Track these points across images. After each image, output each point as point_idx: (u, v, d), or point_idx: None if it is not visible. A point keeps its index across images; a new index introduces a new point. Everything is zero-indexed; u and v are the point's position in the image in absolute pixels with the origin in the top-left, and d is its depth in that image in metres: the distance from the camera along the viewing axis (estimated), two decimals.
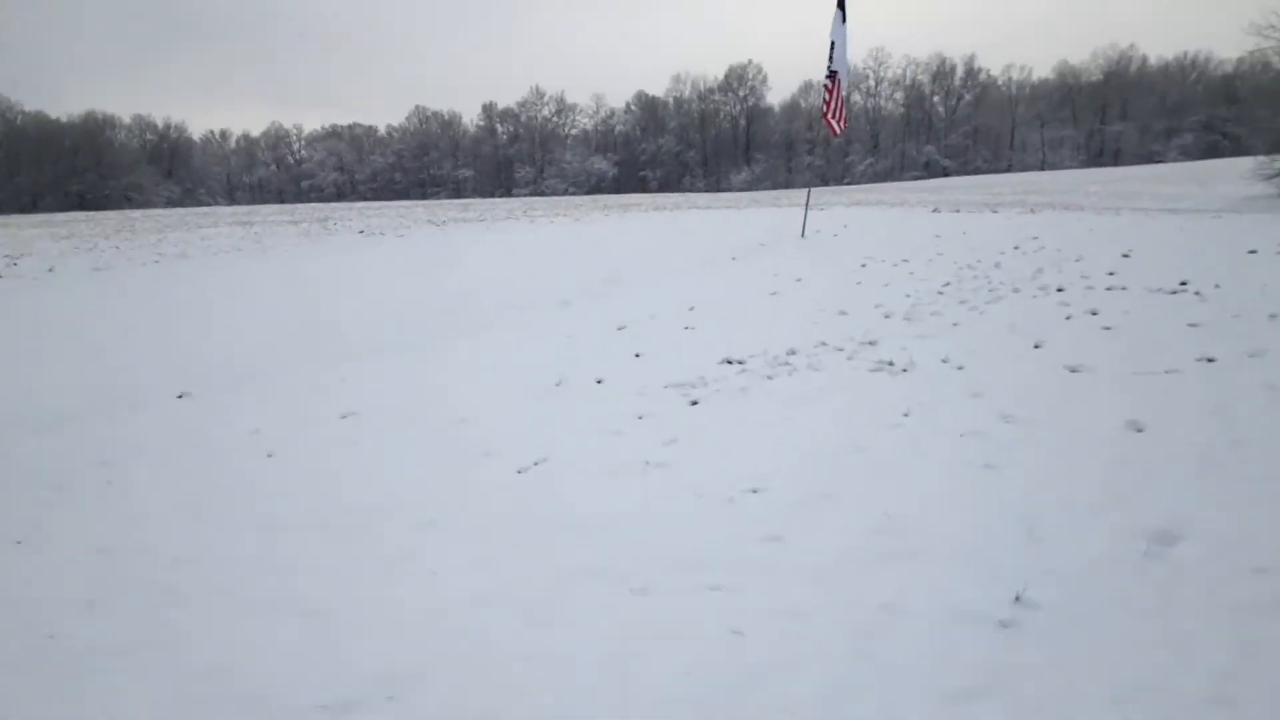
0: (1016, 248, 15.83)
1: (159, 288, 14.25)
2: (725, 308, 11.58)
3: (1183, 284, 10.96)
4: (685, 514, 4.68)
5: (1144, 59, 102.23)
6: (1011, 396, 6.64)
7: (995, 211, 26.10)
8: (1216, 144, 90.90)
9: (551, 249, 17.56)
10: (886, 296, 11.62)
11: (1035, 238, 17.11)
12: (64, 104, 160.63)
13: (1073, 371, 7.33)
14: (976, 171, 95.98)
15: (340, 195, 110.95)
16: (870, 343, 8.97)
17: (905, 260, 14.76)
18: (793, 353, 8.76)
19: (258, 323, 11.31)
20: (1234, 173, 57.03)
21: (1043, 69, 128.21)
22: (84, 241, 22.46)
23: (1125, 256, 13.82)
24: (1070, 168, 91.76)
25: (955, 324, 9.61)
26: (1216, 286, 10.63)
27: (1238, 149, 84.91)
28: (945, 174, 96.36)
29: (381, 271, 15.39)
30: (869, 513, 4.50)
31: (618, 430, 6.33)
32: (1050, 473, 4.95)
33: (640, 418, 6.69)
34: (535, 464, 5.68)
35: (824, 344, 9.08)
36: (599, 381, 8.01)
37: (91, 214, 48.14)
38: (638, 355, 9.08)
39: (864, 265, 14.55)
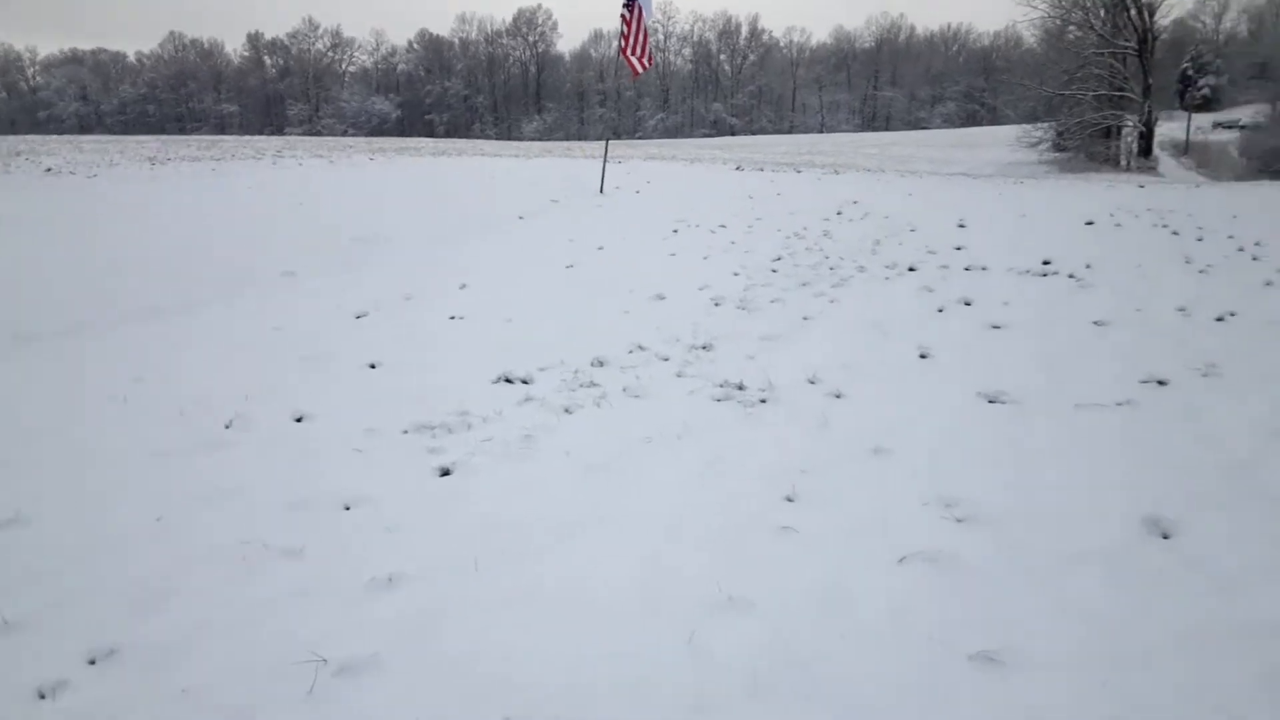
0: (840, 213, 14.03)
1: None
2: (507, 287, 8.80)
3: (1046, 263, 9.34)
4: None
5: (912, 28, 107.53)
6: (936, 455, 4.36)
7: (799, 171, 24.68)
8: (975, 113, 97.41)
9: (288, 199, 13.94)
10: (711, 274, 9.25)
11: (855, 202, 15.43)
12: None
13: (992, 402, 5.20)
14: (761, 131, 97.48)
15: (84, 128, 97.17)
16: (704, 347, 6.52)
17: (722, 226, 12.51)
18: (600, 363, 6.16)
19: None
20: (993, 139, 60.60)
21: (821, 33, 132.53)
22: None
23: (962, 226, 12.27)
24: (847, 130, 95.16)
25: (806, 318, 7.36)
26: (1088, 267, 9.04)
27: (994, 118, 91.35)
28: (733, 132, 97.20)
29: (26, 228, 11.30)
30: None
31: (295, 548, 3.46)
32: (1107, 680, 2.63)
33: (347, 508, 3.85)
34: (93, 662, 2.74)
35: (641, 348, 6.54)
36: (299, 420, 5.06)
37: None
38: (373, 366, 6.16)
39: (676, 231, 12.17)
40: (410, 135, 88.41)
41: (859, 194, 16.87)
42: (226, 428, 4.89)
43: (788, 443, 4.57)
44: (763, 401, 5.25)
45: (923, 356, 6.18)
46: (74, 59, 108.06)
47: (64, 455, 4.42)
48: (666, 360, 6.23)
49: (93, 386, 5.64)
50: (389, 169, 20.24)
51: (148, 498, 3.91)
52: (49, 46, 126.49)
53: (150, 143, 38.47)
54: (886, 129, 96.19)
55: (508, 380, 5.80)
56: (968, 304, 7.76)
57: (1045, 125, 51.84)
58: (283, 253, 10.06)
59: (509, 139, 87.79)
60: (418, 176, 19.23)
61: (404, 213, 13.50)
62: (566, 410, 5.19)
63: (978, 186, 20.33)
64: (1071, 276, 8.67)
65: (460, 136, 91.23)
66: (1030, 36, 58.31)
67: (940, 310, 7.56)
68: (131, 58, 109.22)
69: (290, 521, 3.70)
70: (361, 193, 15.72)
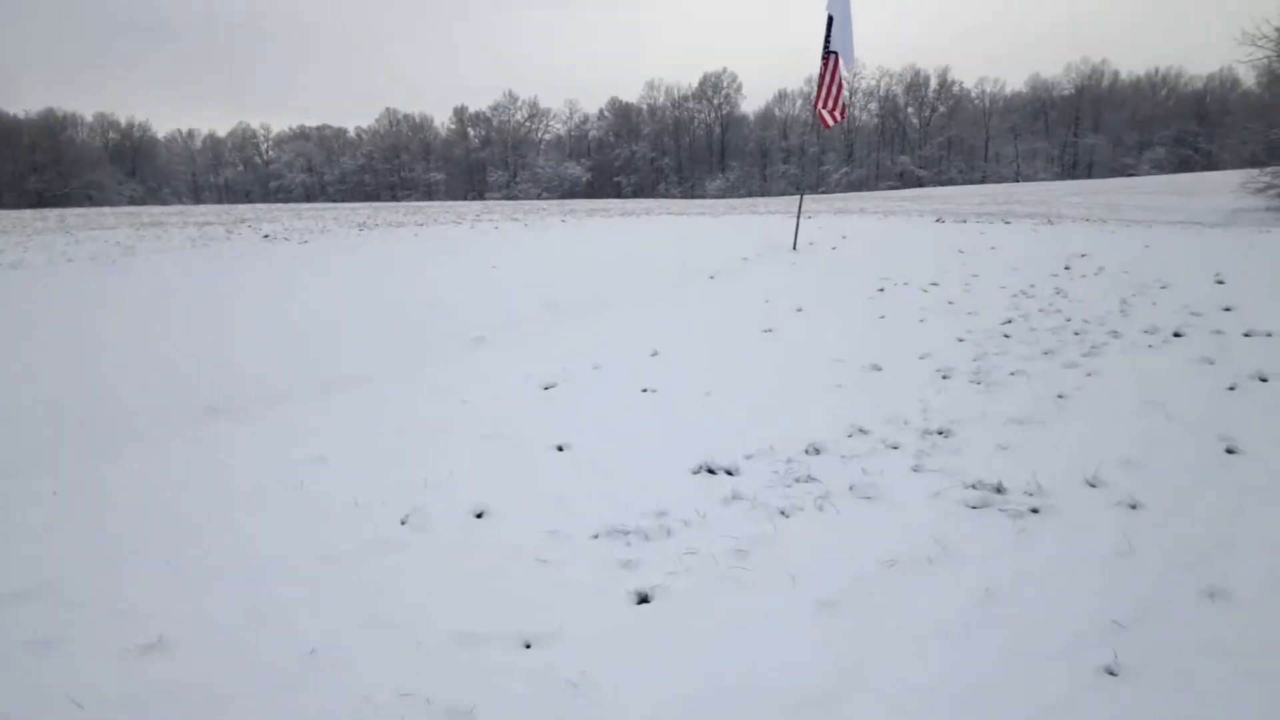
0: (1068, 267, 12.51)
1: None
2: (702, 355, 8.08)
3: None
4: None
5: (1115, 74, 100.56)
6: None
7: (1008, 222, 22.88)
8: (1188, 158, 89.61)
9: (482, 263, 13.96)
10: (931, 340, 8.18)
11: (1083, 255, 13.80)
12: (22, 101, 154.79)
13: None
14: (951, 182, 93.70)
15: (309, 196, 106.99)
16: (940, 432, 5.50)
17: (934, 284, 11.34)
18: (816, 450, 5.27)
19: None
20: (1211, 186, 54.98)
21: (1015, 82, 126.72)
22: None
23: (1220, 282, 10.53)
24: (1044, 179, 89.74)
25: (1061, 396, 6.17)
26: None
27: (1209, 163, 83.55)
28: (920, 184, 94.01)
29: (213, 294, 11.69)
30: None
31: (463, 710, 2.74)
32: None
33: (527, 646, 3.15)
34: None
35: (862, 431, 5.60)
36: (479, 515, 4.46)
37: None
38: (560, 449, 5.54)
39: (882, 290, 11.12)
40: (599, 196, 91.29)
41: (1085, 245, 15.14)
42: (402, 523, 4.36)
43: (1084, 575, 3.51)
44: (1034, 511, 4.19)
45: (1229, 451, 4.89)
46: (301, 135, 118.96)
47: (228, 554, 4.00)
48: (896, 449, 5.26)
49: (273, 466, 5.32)
50: (580, 231, 20.29)
51: (305, 618, 3.37)
52: (280, 124, 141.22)
53: (363, 209, 41.21)
54: (1089, 177, 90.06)
55: (710, 470, 5.01)
56: (1263, 379, 6.31)
57: (1274, 169, 46.45)
58: (475, 318, 9.82)
59: (692, 197, 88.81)
60: (607, 238, 19.11)
61: (593, 275, 13.17)
62: (782, 513, 4.33)
63: (1219, 237, 17.95)
64: None
65: (646, 196, 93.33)
66: (1250, 78, 52.96)
67: (1231, 388, 6.16)
68: (351, 133, 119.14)
69: (460, 664, 3.03)
70: (552, 255, 15.63)
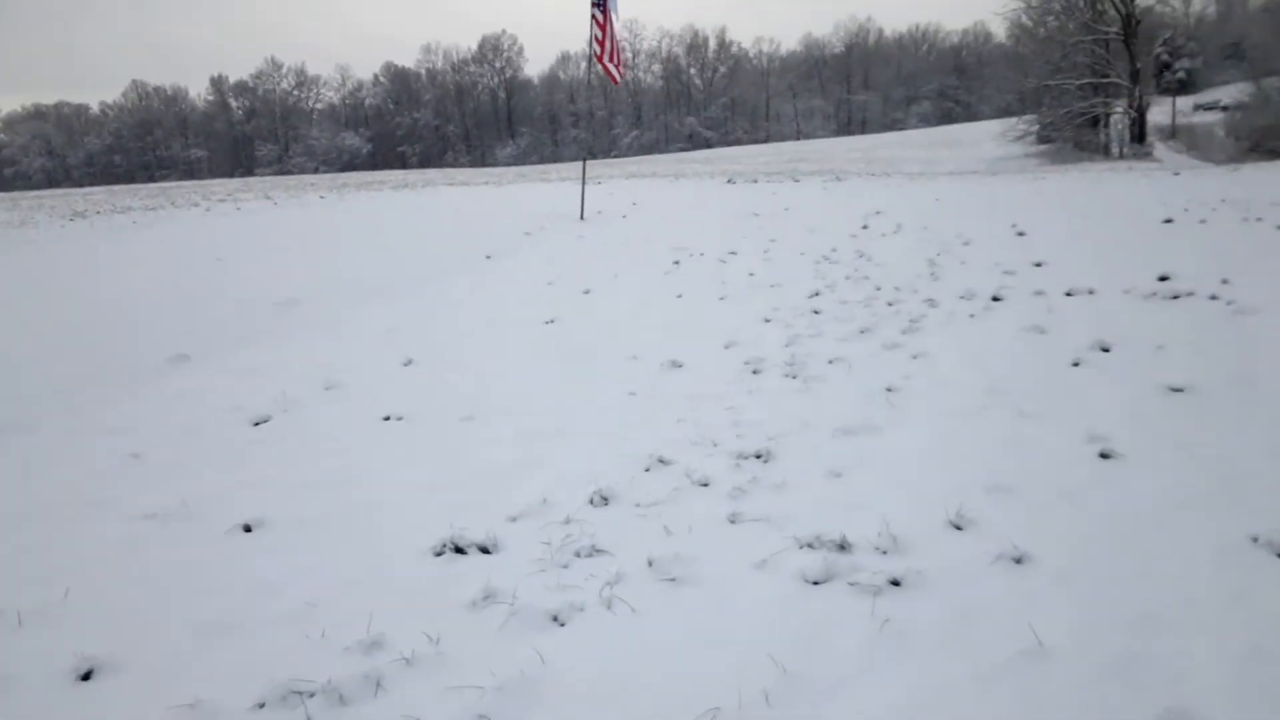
0: (866, 227, 11.92)
1: None
2: (467, 361, 6.60)
3: (1164, 279, 7.25)
4: None
5: (880, 31, 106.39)
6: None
7: (797, 180, 22.64)
8: (950, 110, 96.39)
9: (207, 255, 11.69)
10: (735, 321, 7.08)
11: (878, 212, 13.33)
12: None
13: None
14: (737, 142, 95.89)
15: (52, 182, 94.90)
16: (758, 456, 4.32)
17: (733, 253, 10.34)
18: (604, 500, 3.94)
19: None
20: (975, 136, 58.99)
21: (790, 41, 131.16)
22: None
23: (1021, 235, 10.19)
24: (823, 136, 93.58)
25: (890, 389, 5.17)
26: (1224, 282, 6.91)
27: (969, 115, 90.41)
28: (709, 145, 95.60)
29: None
30: None
31: None
32: None
33: None
34: None
35: (663, 462, 4.34)
36: (86, 676, 2.82)
37: None
38: (249, 529, 3.92)
39: (677, 263, 9.99)
40: (383, 168, 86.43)
41: (879, 203, 14.77)
42: None
43: (985, 697, 2.37)
44: (894, 584, 3.04)
45: (1104, 456, 3.99)
46: (37, 114, 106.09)
47: None
48: (705, 486, 4.02)
49: None
50: (338, 209, 18.05)
51: None
52: (10, 104, 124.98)
53: (97, 194, 36.30)
54: (863, 133, 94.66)
55: (458, 549, 3.57)
56: (1105, 349, 5.60)
57: (1029, 118, 50.27)
58: (181, 327, 7.82)
59: (483, 166, 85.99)
60: (370, 216, 17.05)
61: (344, 263, 11.28)
62: (556, 620, 2.98)
63: (1002, 185, 18.27)
64: (1215, 298, 6.52)
65: (434, 166, 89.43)
66: (1001, 31, 57.45)
67: (1075, 364, 5.38)
68: (95, 109, 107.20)
69: None
70: (298, 241, 13.51)
